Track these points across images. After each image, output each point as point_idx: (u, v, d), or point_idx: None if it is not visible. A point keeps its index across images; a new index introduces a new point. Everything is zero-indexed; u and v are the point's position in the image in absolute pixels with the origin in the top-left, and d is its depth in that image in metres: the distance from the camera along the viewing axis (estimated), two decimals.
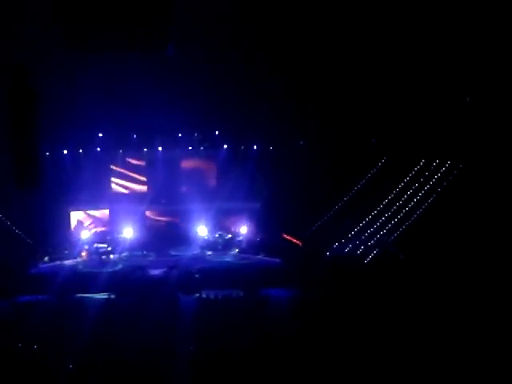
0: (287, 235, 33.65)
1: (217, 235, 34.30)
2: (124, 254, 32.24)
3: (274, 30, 29.36)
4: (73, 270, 29.46)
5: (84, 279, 27.32)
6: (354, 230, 32.28)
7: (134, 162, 36.91)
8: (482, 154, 29.77)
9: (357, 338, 18.78)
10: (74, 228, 34.99)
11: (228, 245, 33.56)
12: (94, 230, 35.06)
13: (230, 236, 34.39)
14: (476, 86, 29.81)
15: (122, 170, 36.91)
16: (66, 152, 35.22)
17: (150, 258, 31.66)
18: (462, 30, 27.75)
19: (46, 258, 30.94)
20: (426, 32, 28.38)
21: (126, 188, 37.03)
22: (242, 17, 28.46)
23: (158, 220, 36.91)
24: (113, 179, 36.82)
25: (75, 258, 31.30)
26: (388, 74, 30.94)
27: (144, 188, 37.13)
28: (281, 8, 28.54)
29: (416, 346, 17.87)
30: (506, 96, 28.16)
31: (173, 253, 32.75)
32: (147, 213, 36.65)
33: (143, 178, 37.25)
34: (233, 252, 32.62)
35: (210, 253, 32.59)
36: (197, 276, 27.42)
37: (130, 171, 36.91)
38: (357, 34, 29.32)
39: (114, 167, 36.73)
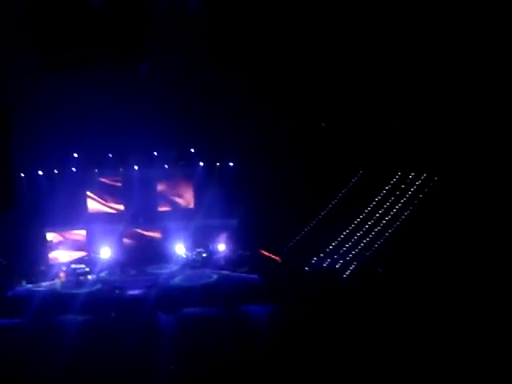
0: (265, 251, 33.63)
1: (195, 253, 34.21)
2: (102, 274, 32.04)
3: (250, 46, 29.49)
4: (50, 291, 29.23)
5: (62, 301, 27.11)
6: (331, 245, 32.32)
7: (110, 181, 36.68)
8: (456, 166, 30.01)
9: (337, 353, 18.79)
10: (51, 249, 34.66)
11: (206, 262, 33.45)
12: (71, 253, 34.77)
13: (208, 253, 34.29)
14: (450, 99, 30.07)
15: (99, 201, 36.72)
16: (41, 173, 34.99)
17: (129, 278, 31.45)
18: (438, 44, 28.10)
19: (24, 282, 30.62)
20: (397, 47, 28.72)
21: (102, 208, 36.77)
22: (217, 34, 28.58)
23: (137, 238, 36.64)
24: (89, 200, 36.52)
25: (52, 280, 31.04)
26: (364, 86, 31.17)
27: (121, 207, 36.87)
28: (257, 25, 28.69)
29: (396, 359, 17.90)
30: (479, 109, 28.44)
31: (151, 271, 32.62)
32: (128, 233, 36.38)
33: (120, 207, 37.00)
34: (211, 269, 32.47)
35: (188, 270, 32.47)
36: (175, 294, 27.35)
37: (106, 191, 36.70)
38: (334, 48, 29.59)
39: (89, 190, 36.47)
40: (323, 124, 34.51)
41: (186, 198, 37.58)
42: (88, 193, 36.37)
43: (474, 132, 28.74)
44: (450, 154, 30.54)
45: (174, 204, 37.45)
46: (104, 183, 36.61)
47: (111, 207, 36.78)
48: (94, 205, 36.51)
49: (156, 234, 36.63)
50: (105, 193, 36.73)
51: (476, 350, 17.90)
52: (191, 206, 37.31)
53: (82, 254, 34.94)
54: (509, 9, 24.44)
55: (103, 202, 36.64)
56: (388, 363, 17.70)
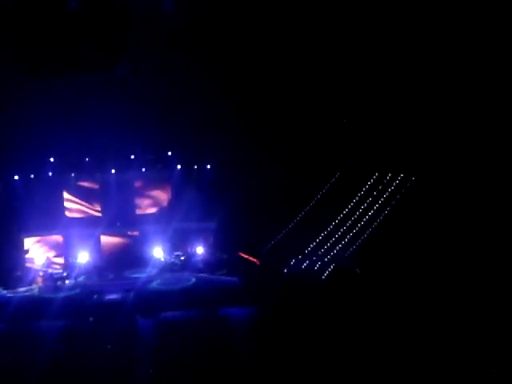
0: (244, 253, 33.61)
1: (173, 256, 34.09)
2: (80, 279, 31.84)
3: (225, 51, 29.59)
4: (27, 297, 29.02)
5: (39, 306, 26.91)
6: (310, 246, 32.38)
7: (88, 185, 36.53)
8: (433, 166, 30.17)
9: (317, 354, 18.80)
10: (28, 254, 34.43)
11: (185, 265, 33.36)
12: (48, 256, 34.54)
13: (186, 256, 34.19)
14: (426, 101, 30.23)
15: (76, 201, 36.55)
16: (17, 178, 34.74)
17: (107, 282, 31.28)
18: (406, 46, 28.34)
19: (0, 288, 30.36)
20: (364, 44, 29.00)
21: (80, 212, 36.57)
22: (193, 40, 28.65)
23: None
24: (66, 204, 36.32)
25: (30, 285, 30.80)
26: (339, 86, 31.32)
27: (98, 208, 36.71)
28: (231, 32, 28.80)
29: (376, 359, 17.95)
30: (456, 110, 28.64)
31: (129, 275, 32.48)
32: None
33: (98, 208, 36.83)
34: (190, 272, 32.38)
35: (166, 274, 32.34)
36: (154, 298, 27.28)
37: (84, 195, 36.53)
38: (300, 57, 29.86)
39: (66, 193, 36.26)
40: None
41: (164, 202, 37.51)
42: (66, 194, 36.20)
43: (451, 133, 28.93)
44: (427, 155, 30.71)
45: (151, 207, 37.37)
46: (81, 186, 36.45)
47: (89, 208, 36.62)
48: (72, 206, 36.35)
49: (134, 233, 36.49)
50: (82, 195, 36.57)
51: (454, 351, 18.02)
52: (169, 209, 37.20)
53: (59, 258, 34.78)
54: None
55: (81, 203, 36.48)
56: (368, 363, 17.75)
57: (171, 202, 37.37)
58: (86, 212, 36.63)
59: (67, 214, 36.25)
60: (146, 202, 37.34)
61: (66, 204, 36.26)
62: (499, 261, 23.75)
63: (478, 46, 26.74)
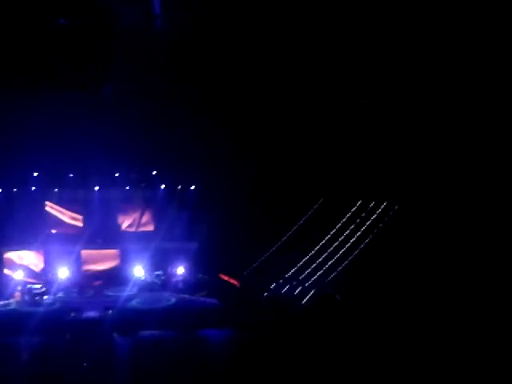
0: (224, 275, 33.54)
1: (154, 275, 33.93)
2: (59, 295, 31.60)
3: (210, 72, 29.78)
4: (4, 311, 28.76)
5: (16, 321, 26.67)
6: (291, 271, 32.35)
7: (70, 197, 36.41)
8: (417, 195, 30.34)
9: (295, 379, 18.76)
10: (7, 268, 34.15)
11: (165, 285, 33.22)
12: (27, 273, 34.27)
13: (167, 276, 34.05)
14: (410, 129, 30.46)
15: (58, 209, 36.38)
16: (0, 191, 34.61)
17: (86, 299, 31.06)
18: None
19: None
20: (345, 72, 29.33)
21: (61, 222, 36.40)
22: (178, 59, 28.79)
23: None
24: (47, 209, 36.18)
25: (7, 299, 30.54)
26: (323, 111, 31.54)
27: (79, 225, 36.55)
28: (214, 51, 29.02)
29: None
30: (438, 140, 28.90)
31: (109, 293, 32.27)
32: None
33: (79, 217, 36.67)
34: (170, 292, 32.23)
35: (146, 293, 32.17)
36: (132, 317, 27.12)
37: (66, 204, 36.41)
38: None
39: (48, 204, 36.12)
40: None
41: (147, 220, 37.40)
42: (48, 203, 36.08)
43: (435, 162, 29.16)
44: (410, 183, 30.89)
45: (134, 226, 37.23)
46: (64, 197, 36.34)
47: (71, 217, 36.46)
48: (54, 213, 36.22)
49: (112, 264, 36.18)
50: (65, 204, 36.44)
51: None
52: (151, 228, 37.12)
53: (39, 273, 34.50)
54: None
55: (63, 211, 36.34)
56: None
57: (154, 221, 37.28)
58: (68, 221, 36.46)
59: (49, 222, 36.11)
60: (128, 220, 37.21)
61: (47, 209, 36.11)
62: (482, 287, 23.89)
63: (452, 80, 27.24)
